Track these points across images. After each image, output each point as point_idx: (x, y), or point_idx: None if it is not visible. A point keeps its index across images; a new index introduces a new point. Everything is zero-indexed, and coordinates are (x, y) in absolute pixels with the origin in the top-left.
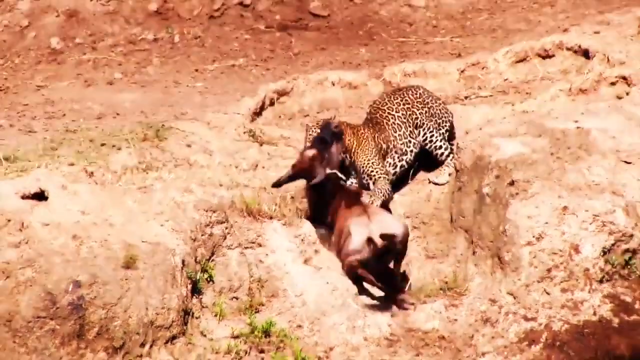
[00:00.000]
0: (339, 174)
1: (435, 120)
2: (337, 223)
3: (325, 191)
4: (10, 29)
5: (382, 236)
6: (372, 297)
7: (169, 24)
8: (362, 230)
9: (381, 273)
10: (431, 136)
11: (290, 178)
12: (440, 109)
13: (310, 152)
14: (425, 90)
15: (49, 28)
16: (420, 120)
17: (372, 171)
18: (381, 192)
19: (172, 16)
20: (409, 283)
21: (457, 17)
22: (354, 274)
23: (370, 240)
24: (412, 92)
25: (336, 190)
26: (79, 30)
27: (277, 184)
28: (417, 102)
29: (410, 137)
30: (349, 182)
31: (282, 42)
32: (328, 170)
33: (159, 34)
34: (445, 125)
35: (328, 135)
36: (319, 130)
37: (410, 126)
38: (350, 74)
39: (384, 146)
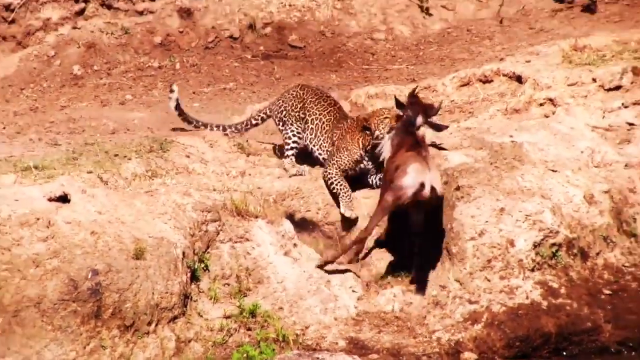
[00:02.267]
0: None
1: None
2: (398, 157)
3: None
4: (39, 58)
5: (432, 188)
6: (342, 283)
7: (171, 54)
8: (420, 173)
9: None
10: None
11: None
12: None
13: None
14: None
15: (71, 57)
16: None
17: None
18: None
19: (173, 47)
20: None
21: (412, 48)
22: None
23: (422, 186)
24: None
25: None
26: (96, 59)
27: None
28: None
29: None
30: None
31: (266, 69)
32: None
33: (163, 62)
34: None
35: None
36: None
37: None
38: None
39: None
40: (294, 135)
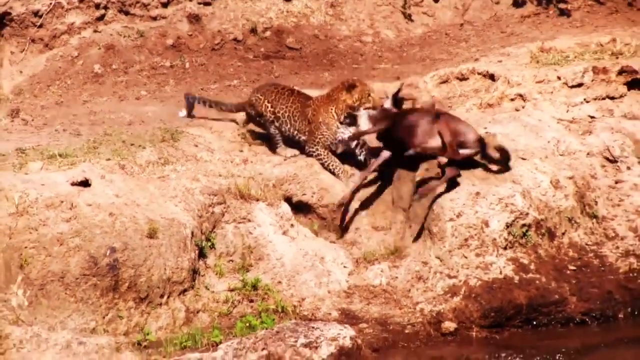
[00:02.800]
0: None
1: None
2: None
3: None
4: (64, 58)
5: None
6: (334, 260)
7: (181, 55)
8: (472, 127)
9: None
10: None
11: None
12: None
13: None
14: None
15: (93, 57)
16: None
17: None
18: None
19: (184, 49)
20: None
21: (396, 49)
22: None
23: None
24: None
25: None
26: (115, 59)
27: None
28: None
29: None
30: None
31: (266, 68)
32: None
33: (174, 62)
34: None
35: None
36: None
37: None
38: (316, 92)
39: None
40: (277, 135)
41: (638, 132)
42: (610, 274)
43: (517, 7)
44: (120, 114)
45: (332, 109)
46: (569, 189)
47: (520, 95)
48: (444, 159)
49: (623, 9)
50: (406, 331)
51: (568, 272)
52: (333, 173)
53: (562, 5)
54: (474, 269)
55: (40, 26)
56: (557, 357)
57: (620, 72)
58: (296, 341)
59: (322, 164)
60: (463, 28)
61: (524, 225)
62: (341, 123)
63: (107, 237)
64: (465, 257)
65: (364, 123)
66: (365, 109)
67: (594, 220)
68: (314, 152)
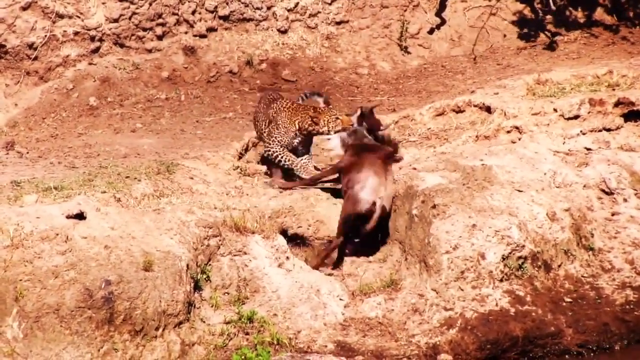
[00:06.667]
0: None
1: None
2: (364, 165)
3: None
4: (59, 91)
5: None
6: (330, 292)
7: (177, 87)
8: (375, 191)
9: None
10: None
11: None
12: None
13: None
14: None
15: (88, 90)
16: None
17: None
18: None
19: (179, 81)
20: None
21: (392, 82)
22: None
23: (374, 204)
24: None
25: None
26: (110, 92)
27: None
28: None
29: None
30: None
31: None
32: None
33: (170, 94)
34: None
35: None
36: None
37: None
38: None
39: None
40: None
41: (634, 164)
42: (607, 306)
43: (520, 38)
44: (115, 146)
45: (296, 121)
46: (565, 221)
47: (517, 128)
48: None
49: (619, 41)
50: None
51: (564, 304)
52: (289, 170)
53: (558, 38)
54: (470, 301)
55: (35, 58)
56: None
57: (617, 104)
58: None
59: (276, 161)
60: (459, 60)
61: (520, 257)
62: (301, 133)
63: (102, 270)
64: (462, 290)
65: (335, 146)
66: (337, 132)
67: (590, 252)
68: (270, 150)
